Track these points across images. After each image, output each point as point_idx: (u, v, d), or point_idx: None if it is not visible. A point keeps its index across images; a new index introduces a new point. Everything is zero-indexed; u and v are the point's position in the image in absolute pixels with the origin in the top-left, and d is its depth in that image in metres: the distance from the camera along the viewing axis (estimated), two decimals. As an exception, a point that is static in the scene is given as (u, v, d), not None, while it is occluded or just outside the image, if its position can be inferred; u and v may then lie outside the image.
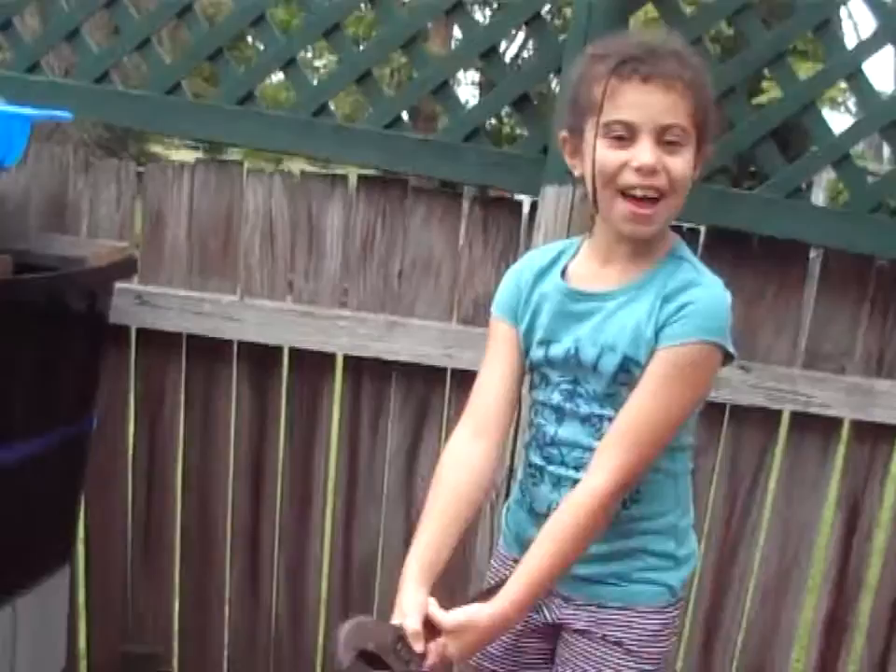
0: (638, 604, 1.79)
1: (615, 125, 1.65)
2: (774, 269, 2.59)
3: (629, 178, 1.65)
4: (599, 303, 1.75)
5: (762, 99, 11.20)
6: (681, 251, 1.77)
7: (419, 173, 2.67)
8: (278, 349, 2.69)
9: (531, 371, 1.87)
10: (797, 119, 2.56)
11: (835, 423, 2.63)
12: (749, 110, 2.59)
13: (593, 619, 1.81)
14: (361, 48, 2.74)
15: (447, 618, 1.64)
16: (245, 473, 2.77)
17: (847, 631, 2.74)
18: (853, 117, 15.96)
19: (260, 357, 2.70)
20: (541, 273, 1.84)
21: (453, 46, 13.95)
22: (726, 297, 1.73)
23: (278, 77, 2.93)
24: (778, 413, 2.63)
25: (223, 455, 2.77)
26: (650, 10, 2.73)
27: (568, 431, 1.78)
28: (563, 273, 1.82)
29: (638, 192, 1.66)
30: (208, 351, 2.70)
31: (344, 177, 2.70)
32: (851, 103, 17.70)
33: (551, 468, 1.80)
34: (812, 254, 2.64)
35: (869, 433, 2.65)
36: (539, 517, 1.80)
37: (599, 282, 1.77)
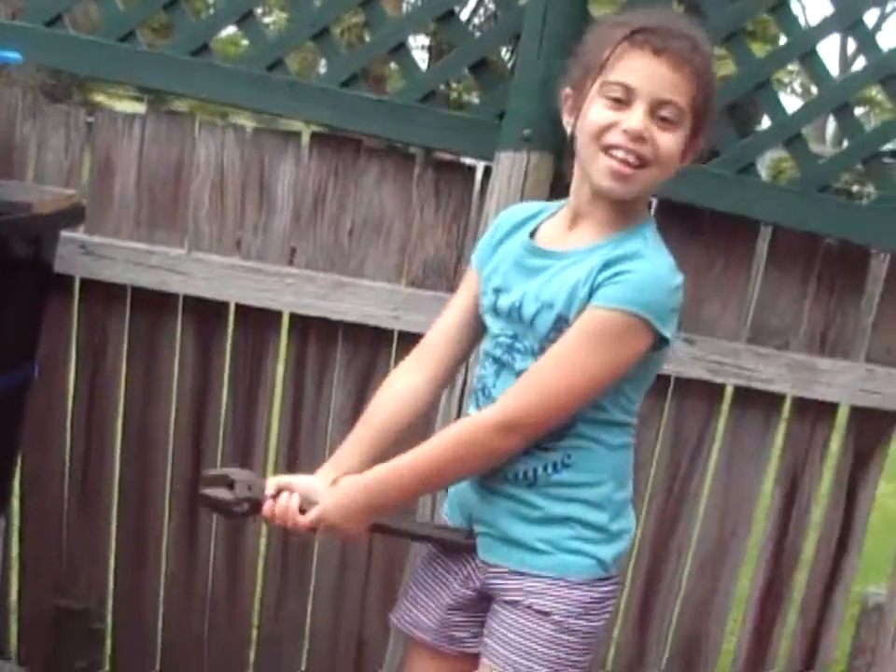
0: (567, 574, 1.77)
1: (615, 86, 1.65)
2: (722, 243, 2.61)
3: (615, 137, 1.65)
4: (552, 262, 1.75)
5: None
6: (645, 230, 1.75)
7: (373, 133, 2.63)
8: (224, 305, 2.66)
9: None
10: (750, 97, 2.58)
11: (777, 398, 2.66)
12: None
13: (521, 588, 1.79)
14: (318, 3, 2.71)
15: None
16: (187, 427, 2.74)
17: (782, 604, 2.77)
18: (799, 98, 16.11)
19: (206, 312, 2.67)
20: (516, 226, 1.86)
21: (404, 8, 13.86)
22: (670, 277, 1.70)
23: (228, 32, 2.90)
24: (722, 386, 2.65)
25: (165, 409, 2.73)
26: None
27: (505, 385, 1.77)
28: (535, 229, 1.84)
29: (621, 154, 1.65)
30: (153, 303, 2.66)
31: (297, 134, 2.67)
32: (797, 84, 17.90)
33: None
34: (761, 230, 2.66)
35: (810, 410, 2.69)
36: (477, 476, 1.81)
37: (561, 243, 1.77)
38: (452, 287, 2.61)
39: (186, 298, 2.66)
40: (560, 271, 1.73)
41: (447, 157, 2.74)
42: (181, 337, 2.69)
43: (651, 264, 1.68)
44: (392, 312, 2.59)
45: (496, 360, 1.81)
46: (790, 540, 2.74)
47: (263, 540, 2.80)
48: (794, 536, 2.74)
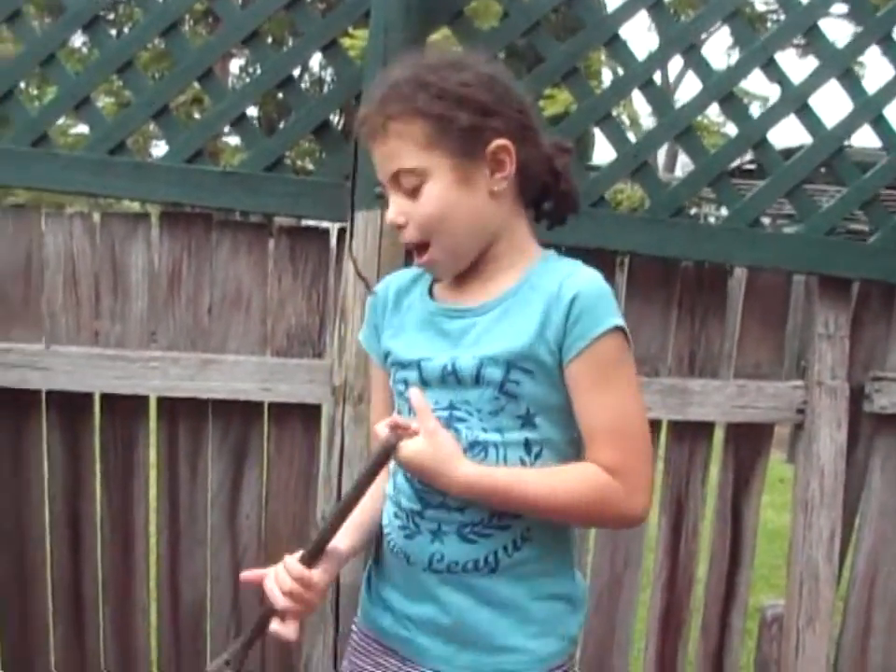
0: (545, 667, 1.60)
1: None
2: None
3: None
4: (473, 318, 1.58)
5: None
6: (546, 254, 1.63)
7: (224, 206, 2.61)
8: (88, 396, 2.60)
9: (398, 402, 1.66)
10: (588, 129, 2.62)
11: (654, 425, 2.67)
12: (545, 124, 2.62)
13: None
14: (152, 83, 2.68)
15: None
16: (63, 524, 2.65)
17: (682, 629, 2.78)
18: (631, 131, 16.43)
19: (71, 406, 2.60)
20: (402, 293, 1.70)
21: (230, 82, 13.75)
22: (601, 278, 1.55)
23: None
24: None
25: (38, 508, 2.64)
26: (446, 31, 2.75)
27: None
28: (430, 292, 1.67)
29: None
30: (14, 402, 2.58)
31: (146, 215, 2.63)
32: (624, 117, 18.31)
33: (429, 512, 1.58)
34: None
35: (687, 433, 2.71)
36: None
37: (468, 298, 1.61)
38: (319, 354, 2.60)
39: (48, 393, 2.59)
40: (492, 324, 1.57)
41: (296, 223, 2.72)
42: (47, 434, 2.62)
43: (586, 272, 1.55)
44: (261, 384, 2.56)
45: None
46: (681, 566, 2.75)
47: (154, 633, 2.74)
48: (686, 560, 2.75)
